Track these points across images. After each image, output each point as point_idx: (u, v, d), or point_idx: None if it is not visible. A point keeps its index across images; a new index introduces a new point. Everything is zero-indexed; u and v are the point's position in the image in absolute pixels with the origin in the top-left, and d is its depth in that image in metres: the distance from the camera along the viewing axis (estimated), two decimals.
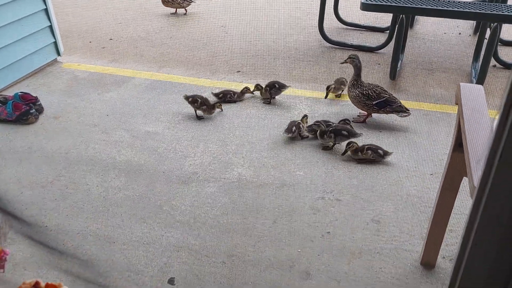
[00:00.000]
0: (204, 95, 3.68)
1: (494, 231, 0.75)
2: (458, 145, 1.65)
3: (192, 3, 5.60)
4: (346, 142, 2.92)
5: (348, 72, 3.52)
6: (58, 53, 4.14)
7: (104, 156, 2.90)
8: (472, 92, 1.52)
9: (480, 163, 1.07)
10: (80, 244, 2.23)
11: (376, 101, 3.16)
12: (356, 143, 2.88)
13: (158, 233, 2.31)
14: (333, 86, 3.59)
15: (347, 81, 3.55)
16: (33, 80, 3.88)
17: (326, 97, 3.60)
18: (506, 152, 0.63)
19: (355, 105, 3.29)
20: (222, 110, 3.42)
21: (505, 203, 0.71)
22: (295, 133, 3.07)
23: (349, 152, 2.88)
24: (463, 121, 1.42)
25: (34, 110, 3.25)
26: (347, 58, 3.30)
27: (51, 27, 3.96)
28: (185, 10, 5.64)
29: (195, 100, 3.32)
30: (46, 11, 3.88)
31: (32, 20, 3.76)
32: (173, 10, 5.64)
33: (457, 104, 1.65)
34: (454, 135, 1.68)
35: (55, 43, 4.06)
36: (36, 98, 3.35)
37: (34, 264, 2.11)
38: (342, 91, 3.66)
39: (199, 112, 3.36)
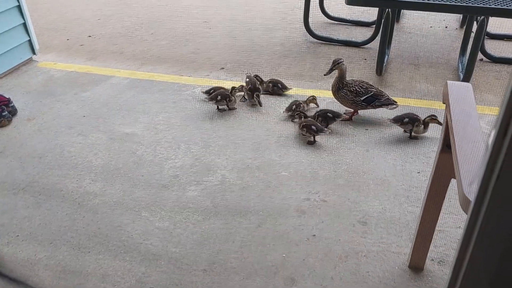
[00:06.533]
0: (188, 92, 3.58)
1: (493, 245, 0.67)
2: (446, 146, 1.57)
3: None
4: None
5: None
6: (33, 52, 3.99)
7: (80, 160, 2.78)
8: (461, 91, 1.44)
9: (472, 186, 0.99)
10: (52, 254, 2.12)
11: (365, 97, 3.08)
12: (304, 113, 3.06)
13: (136, 241, 2.20)
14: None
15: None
16: (6, 80, 3.72)
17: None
18: (505, 171, 0.54)
19: (343, 104, 3.20)
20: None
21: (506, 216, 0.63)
22: (295, 111, 3.14)
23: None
24: (451, 122, 1.34)
25: (6, 113, 3.12)
26: (334, 65, 3.10)
27: (25, 24, 3.80)
28: None
29: (220, 94, 3.27)
30: (19, 8, 3.71)
31: (3, 17, 3.60)
32: None
33: (444, 103, 1.57)
34: (442, 136, 1.60)
35: (30, 42, 3.90)
36: (9, 100, 3.21)
37: None
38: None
39: (222, 106, 3.34)
